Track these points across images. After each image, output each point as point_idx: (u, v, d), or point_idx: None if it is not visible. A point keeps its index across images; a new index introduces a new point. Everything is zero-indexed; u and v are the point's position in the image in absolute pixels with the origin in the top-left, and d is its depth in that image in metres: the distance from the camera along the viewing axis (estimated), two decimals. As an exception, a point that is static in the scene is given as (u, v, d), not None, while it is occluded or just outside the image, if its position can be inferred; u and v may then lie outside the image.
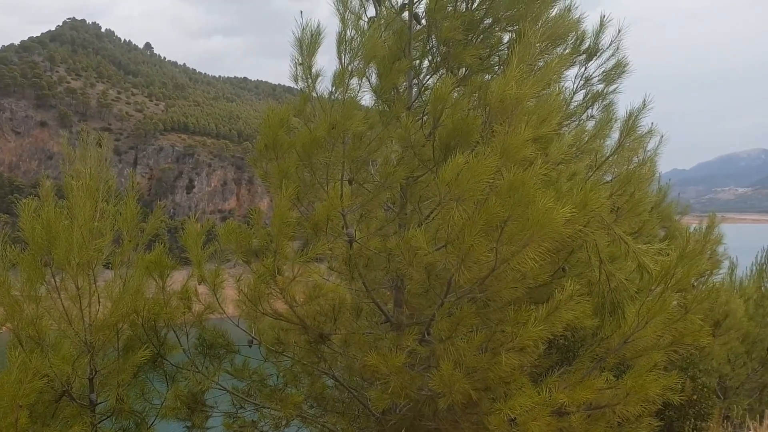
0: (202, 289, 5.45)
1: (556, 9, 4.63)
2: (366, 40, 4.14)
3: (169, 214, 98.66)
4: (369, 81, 4.51)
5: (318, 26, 4.33)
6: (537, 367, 4.62)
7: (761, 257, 15.74)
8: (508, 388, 3.93)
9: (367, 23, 4.67)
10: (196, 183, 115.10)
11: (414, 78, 4.77)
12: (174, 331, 5.55)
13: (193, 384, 5.41)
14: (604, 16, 4.91)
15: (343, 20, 4.20)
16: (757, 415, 9.60)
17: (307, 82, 4.36)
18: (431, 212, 4.50)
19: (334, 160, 4.27)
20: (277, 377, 5.67)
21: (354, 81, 4.23)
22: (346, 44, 4.13)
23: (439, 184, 3.69)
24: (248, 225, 4.63)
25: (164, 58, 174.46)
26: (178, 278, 5.62)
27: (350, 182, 4.57)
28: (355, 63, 4.19)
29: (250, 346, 5.40)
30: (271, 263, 4.07)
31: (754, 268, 15.57)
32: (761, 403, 11.24)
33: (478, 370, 3.87)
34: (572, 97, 5.12)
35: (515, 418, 3.76)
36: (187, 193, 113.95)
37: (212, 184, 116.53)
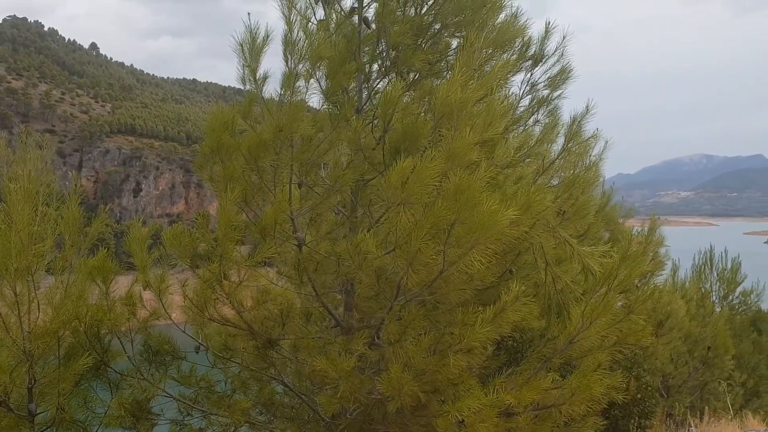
0: (147, 294, 5.32)
1: (502, 15, 4.71)
2: (313, 42, 4.13)
3: (115, 218, 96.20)
4: (319, 83, 4.50)
5: (266, 28, 4.32)
6: (486, 368, 4.68)
7: (699, 259, 16.29)
8: (456, 390, 3.97)
9: (316, 26, 4.66)
10: (143, 186, 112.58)
11: (364, 81, 4.77)
12: (118, 338, 5.40)
13: (138, 392, 5.28)
14: (549, 23, 5.01)
15: (288, 22, 4.18)
16: (698, 413, 9.93)
17: (253, 84, 4.33)
18: (381, 215, 4.51)
19: (282, 163, 4.24)
20: (225, 383, 5.58)
21: (302, 83, 4.21)
22: (292, 46, 4.11)
23: (387, 187, 3.70)
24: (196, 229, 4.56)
25: (111, 58, 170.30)
26: (123, 283, 5.49)
27: (300, 185, 4.54)
28: (303, 65, 4.17)
29: (197, 353, 5.30)
30: (216, 268, 4.01)
31: (694, 269, 16.10)
32: (702, 401, 11.62)
33: (427, 372, 3.89)
34: (519, 102, 5.20)
35: (463, 420, 3.79)
36: (134, 196, 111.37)
37: (160, 188, 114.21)
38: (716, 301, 15.66)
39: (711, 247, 16.22)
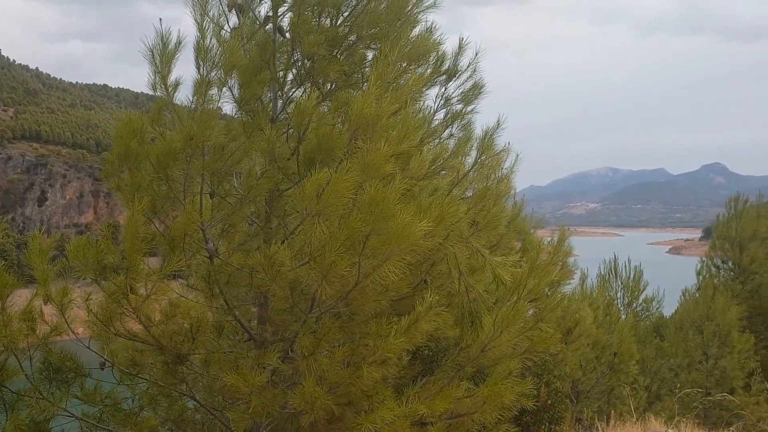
0: (49, 309, 5.04)
1: (417, 29, 4.78)
2: (226, 49, 4.05)
3: (17, 228, 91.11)
4: (232, 92, 4.42)
5: (178, 34, 4.21)
6: (401, 378, 4.69)
7: (604, 268, 17.04)
8: (371, 402, 3.96)
9: (230, 34, 4.58)
10: (49, 195, 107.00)
11: (279, 90, 4.72)
12: (15, 356, 5.08)
13: (36, 412, 4.97)
14: (462, 39, 5.11)
15: (201, 29, 4.09)
16: (605, 417, 10.32)
17: (164, 91, 4.20)
18: (296, 227, 4.46)
19: (193, 172, 4.12)
20: (133, 400, 5.35)
21: (215, 91, 4.12)
22: (205, 53, 4.02)
23: (302, 198, 3.67)
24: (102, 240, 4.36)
25: (14, 61, 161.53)
26: (24, 297, 5.18)
27: (211, 195, 4.43)
28: (216, 73, 4.09)
29: (102, 369, 5.06)
30: (122, 281, 3.84)
31: (600, 278, 16.81)
32: (609, 405, 12.08)
33: (341, 384, 3.87)
34: (433, 116, 5.29)
35: (377, 432, 3.79)
36: (39, 206, 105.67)
37: (67, 197, 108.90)
38: (621, 308, 16.40)
39: (615, 256, 16.99)
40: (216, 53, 4.14)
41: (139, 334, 4.36)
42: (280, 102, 4.74)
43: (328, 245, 3.52)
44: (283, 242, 4.34)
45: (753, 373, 15.51)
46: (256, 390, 3.89)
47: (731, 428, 11.09)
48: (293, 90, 4.79)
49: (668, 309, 19.12)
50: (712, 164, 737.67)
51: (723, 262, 18.57)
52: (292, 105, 4.63)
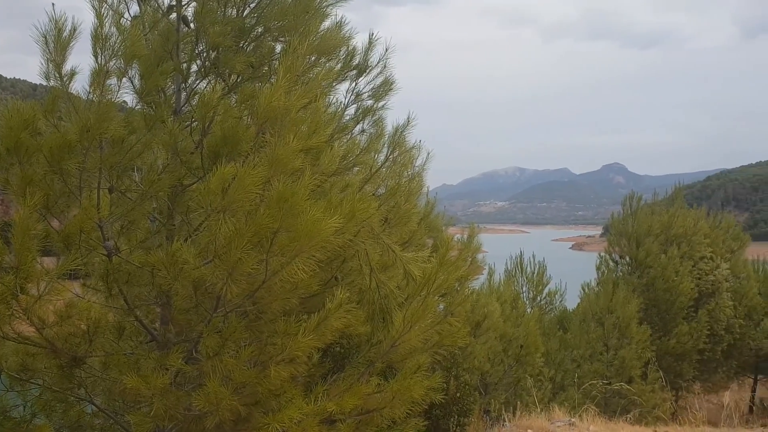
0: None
1: (327, 23, 4.73)
2: (127, 38, 3.86)
3: None
4: (132, 82, 4.22)
5: (74, 20, 3.98)
6: (312, 376, 4.64)
7: (511, 264, 17.60)
8: (278, 401, 3.89)
9: (130, 22, 4.38)
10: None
11: (182, 82, 4.55)
12: None
13: None
14: (373, 35, 5.11)
15: (99, 16, 3.87)
16: (512, 408, 10.64)
17: (58, 80, 3.97)
18: (201, 224, 4.31)
19: (90, 166, 3.91)
20: (24, 407, 5.03)
21: (113, 81, 3.92)
22: (103, 42, 3.82)
23: (207, 194, 3.55)
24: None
25: None
26: None
27: (110, 190, 4.22)
28: (115, 62, 3.89)
29: (-11, 376, 4.73)
30: (11, 281, 3.59)
31: (507, 273, 17.35)
32: (515, 396, 12.47)
33: (248, 384, 3.77)
34: (344, 111, 5.26)
35: (285, 431, 3.72)
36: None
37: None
38: (527, 302, 16.99)
39: (521, 252, 17.57)
40: (116, 42, 3.94)
41: (31, 336, 4.10)
42: (183, 94, 4.57)
43: (233, 242, 3.43)
44: (186, 240, 4.19)
45: (649, 363, 16.43)
46: (159, 392, 3.74)
47: (629, 415, 11.70)
48: (198, 82, 4.63)
49: (571, 302, 19.96)
50: (612, 164, 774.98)
51: (621, 257, 19.57)
52: (197, 97, 4.47)
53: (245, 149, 3.94)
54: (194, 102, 4.54)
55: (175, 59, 4.35)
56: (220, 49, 4.35)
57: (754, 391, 22.15)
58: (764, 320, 20.35)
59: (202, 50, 4.47)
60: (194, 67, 4.59)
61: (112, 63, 3.89)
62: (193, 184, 4.30)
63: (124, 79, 4.04)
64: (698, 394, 20.02)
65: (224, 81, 4.54)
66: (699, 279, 19.05)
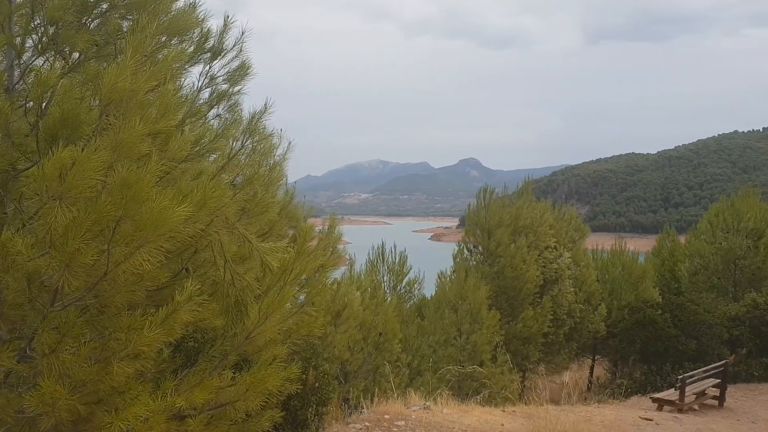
0: None
1: (180, 3, 4.52)
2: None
3: None
4: (-45, 56, 3.81)
5: None
6: (161, 372, 4.44)
7: (372, 254, 17.94)
8: (123, 399, 3.68)
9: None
10: None
11: (15, 58, 4.17)
12: None
13: None
14: (228, 17, 4.95)
15: None
16: (370, 395, 10.85)
17: None
18: (36, 212, 3.98)
19: None
20: None
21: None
22: None
23: (42, 179, 3.28)
24: None
25: None
26: None
27: (-72, 175, 3.79)
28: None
29: None
30: None
31: (368, 263, 17.67)
32: (374, 383, 12.73)
33: (88, 382, 3.54)
34: (198, 95, 5.05)
35: (130, 430, 3.54)
36: None
37: None
38: (387, 291, 17.39)
39: (383, 243, 17.97)
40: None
41: None
42: (17, 71, 4.19)
43: (71, 231, 3.19)
44: (19, 229, 3.85)
45: (498, 346, 17.37)
46: (-15, 395, 3.42)
47: (479, 396, 12.32)
48: (34, 58, 4.26)
49: (429, 291, 20.67)
50: (468, 159, 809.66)
51: (474, 246, 20.51)
52: (33, 74, 4.12)
53: (87, 132, 3.68)
54: (30, 80, 4.18)
55: (6, 32, 3.97)
56: (60, 24, 4.03)
57: (591, 370, 24.09)
58: (601, 305, 22.16)
59: (39, 24, 4.12)
60: (30, 43, 4.22)
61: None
62: (28, 169, 3.96)
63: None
64: (543, 375, 21.44)
65: (64, 59, 4.21)
66: (544, 267, 20.38)
